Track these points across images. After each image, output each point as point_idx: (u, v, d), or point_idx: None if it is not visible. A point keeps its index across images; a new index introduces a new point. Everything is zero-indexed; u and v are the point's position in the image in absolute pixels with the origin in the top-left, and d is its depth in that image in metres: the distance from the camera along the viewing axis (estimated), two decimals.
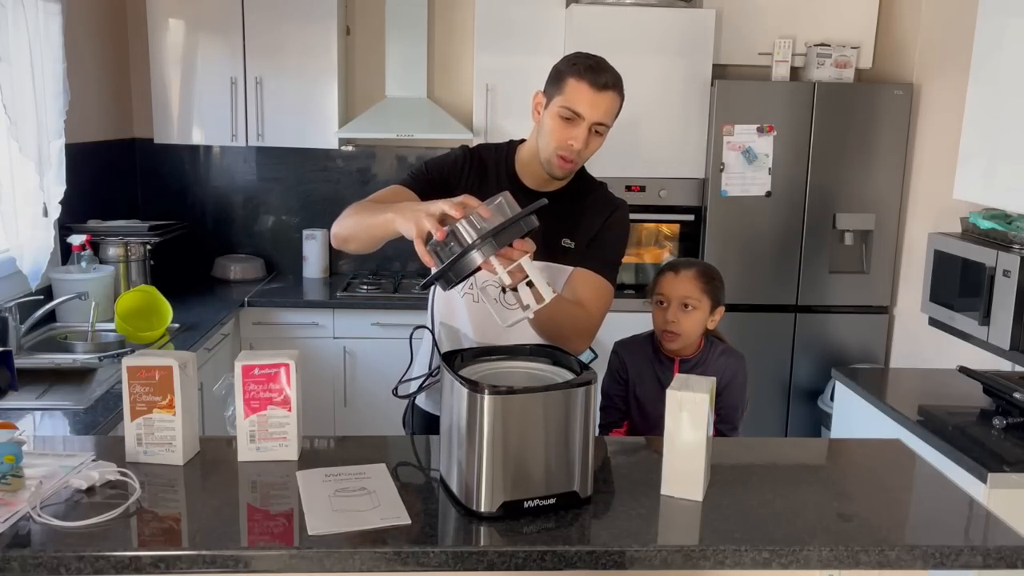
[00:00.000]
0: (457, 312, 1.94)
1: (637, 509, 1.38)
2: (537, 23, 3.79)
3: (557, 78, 1.79)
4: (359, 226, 1.69)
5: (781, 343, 3.77)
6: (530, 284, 1.48)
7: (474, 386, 1.30)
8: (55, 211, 3.13)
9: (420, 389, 1.82)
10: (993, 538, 1.32)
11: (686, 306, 2.07)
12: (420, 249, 1.44)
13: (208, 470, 1.49)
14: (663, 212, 3.74)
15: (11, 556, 1.19)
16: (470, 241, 1.38)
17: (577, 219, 1.90)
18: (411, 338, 1.75)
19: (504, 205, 1.43)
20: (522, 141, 1.95)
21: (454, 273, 1.43)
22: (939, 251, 2.90)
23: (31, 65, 2.93)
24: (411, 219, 1.46)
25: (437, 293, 1.78)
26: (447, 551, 1.24)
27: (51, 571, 1.20)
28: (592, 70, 1.75)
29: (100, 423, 2.22)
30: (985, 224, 2.74)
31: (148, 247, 3.62)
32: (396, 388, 1.75)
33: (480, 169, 1.91)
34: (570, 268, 1.89)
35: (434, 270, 1.45)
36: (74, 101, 3.24)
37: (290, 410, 1.51)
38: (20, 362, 2.53)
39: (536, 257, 1.79)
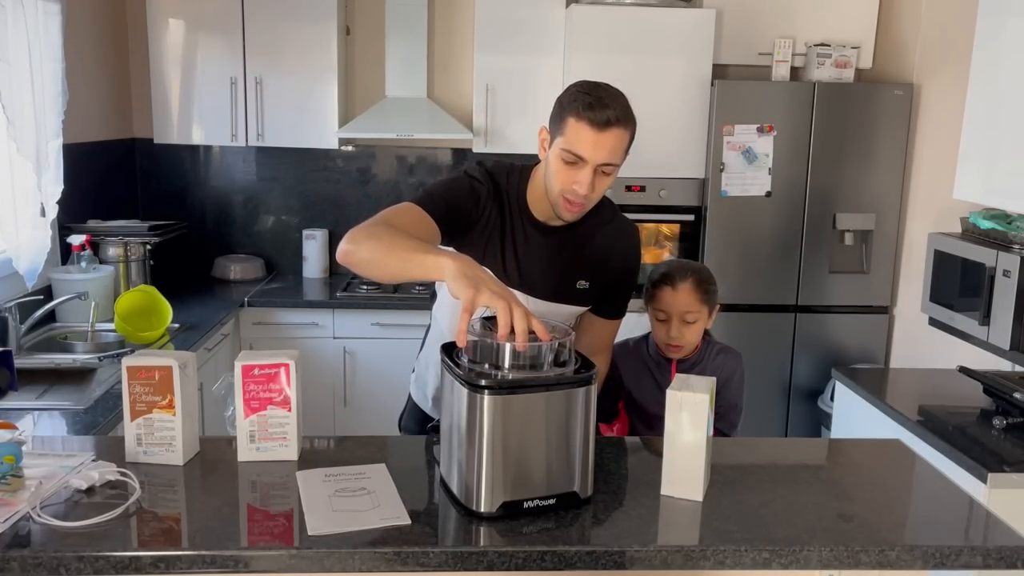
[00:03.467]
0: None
1: (637, 509, 1.38)
2: (537, 23, 3.80)
3: (559, 115, 1.66)
4: (390, 256, 1.46)
5: (781, 343, 3.77)
6: None
7: (474, 386, 1.30)
8: (52, 211, 3.13)
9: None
10: (993, 538, 1.32)
11: (687, 320, 2.06)
12: (463, 325, 1.30)
13: (208, 470, 1.49)
14: (663, 212, 3.73)
15: (11, 556, 1.19)
16: (502, 368, 1.33)
17: (591, 257, 1.83)
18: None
19: (567, 344, 1.36)
20: (538, 163, 1.81)
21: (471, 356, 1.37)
22: (939, 251, 2.90)
23: (30, 65, 2.93)
24: (471, 286, 1.31)
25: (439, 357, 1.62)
26: (447, 551, 1.24)
27: (51, 571, 1.19)
28: (591, 108, 1.60)
29: (100, 423, 2.22)
30: (985, 224, 2.74)
31: (148, 247, 3.62)
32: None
33: (497, 196, 1.78)
34: (583, 308, 1.88)
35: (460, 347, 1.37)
36: (74, 101, 3.24)
37: (290, 410, 1.51)
38: (20, 362, 2.53)
39: (550, 298, 1.80)
